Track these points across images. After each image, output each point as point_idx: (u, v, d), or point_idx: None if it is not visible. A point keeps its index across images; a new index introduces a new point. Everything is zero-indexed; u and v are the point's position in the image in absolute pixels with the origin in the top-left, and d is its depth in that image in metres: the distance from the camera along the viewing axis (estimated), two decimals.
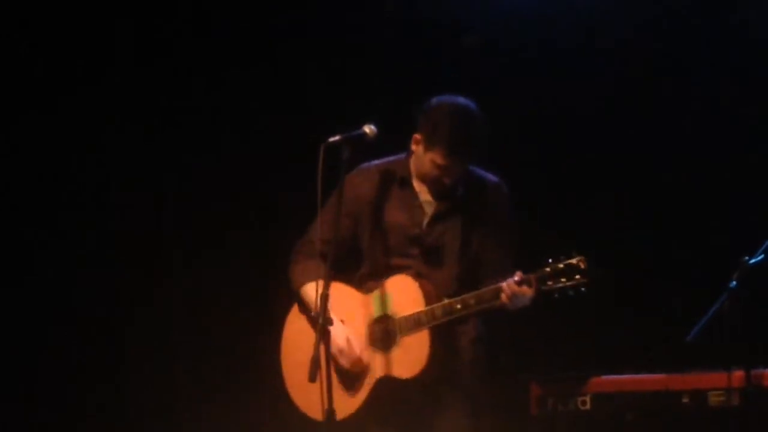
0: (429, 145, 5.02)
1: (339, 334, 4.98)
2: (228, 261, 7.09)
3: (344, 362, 5.01)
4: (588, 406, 5.65)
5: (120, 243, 7.14)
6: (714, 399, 5.46)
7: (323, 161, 4.92)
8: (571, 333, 6.52)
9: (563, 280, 4.73)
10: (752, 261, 5.20)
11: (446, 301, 4.95)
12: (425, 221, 5.12)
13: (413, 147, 5.10)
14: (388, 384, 4.98)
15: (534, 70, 6.81)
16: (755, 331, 5.16)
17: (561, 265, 4.74)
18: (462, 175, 5.06)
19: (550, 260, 4.77)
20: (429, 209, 5.13)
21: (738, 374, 5.31)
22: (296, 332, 5.20)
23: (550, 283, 4.75)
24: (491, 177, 5.18)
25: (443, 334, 4.99)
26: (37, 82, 7.11)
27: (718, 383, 5.43)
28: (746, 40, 6.56)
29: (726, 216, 6.40)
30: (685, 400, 5.52)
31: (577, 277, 4.71)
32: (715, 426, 5.44)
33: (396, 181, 5.16)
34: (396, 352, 4.97)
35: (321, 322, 4.77)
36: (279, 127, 7.02)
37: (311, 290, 5.06)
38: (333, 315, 4.83)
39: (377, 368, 5.00)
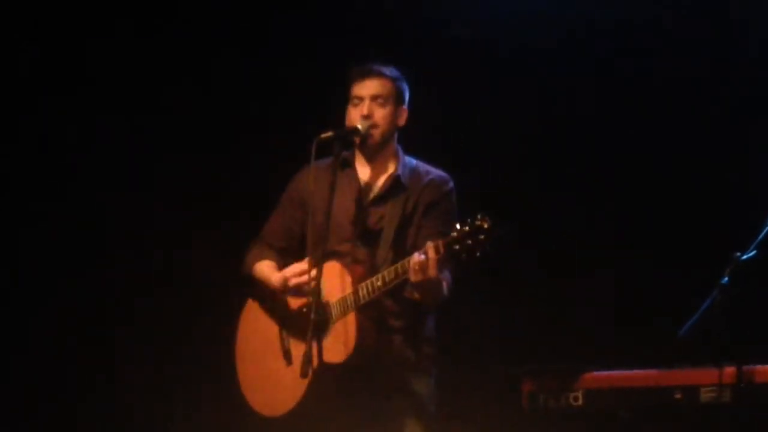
0: (348, 91, 5.15)
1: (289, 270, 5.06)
2: (224, 259, 7.08)
3: (300, 282, 5.04)
4: (580, 402, 5.64)
5: (118, 243, 7.15)
6: (706, 395, 5.45)
7: (315, 157, 4.95)
8: (563, 329, 6.52)
9: (469, 242, 4.71)
10: (744, 257, 5.19)
11: (368, 280, 4.95)
12: (365, 202, 5.16)
13: (346, 119, 5.19)
14: (327, 373, 4.93)
15: (533, 69, 6.81)
16: (747, 327, 5.16)
17: (466, 228, 4.73)
18: (390, 127, 5.15)
19: (458, 226, 4.76)
20: (370, 192, 5.16)
21: (730, 370, 5.30)
22: (252, 325, 5.26)
23: (457, 247, 4.74)
24: (438, 171, 5.23)
25: (374, 316, 5.00)
26: (37, 81, 7.12)
27: (710, 379, 5.42)
28: (746, 39, 6.57)
29: (718, 212, 6.40)
30: (677, 395, 5.51)
31: (482, 237, 4.70)
32: (707, 422, 5.43)
33: (340, 164, 5.17)
34: (329, 339, 4.97)
35: (313, 317, 4.81)
36: (275, 125, 7.03)
37: (264, 266, 5.20)
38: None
39: (315, 357, 4.93)
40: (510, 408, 5.80)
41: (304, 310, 5.02)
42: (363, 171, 5.22)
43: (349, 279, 4.99)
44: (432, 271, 4.80)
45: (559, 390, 5.67)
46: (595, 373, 5.68)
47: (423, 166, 5.23)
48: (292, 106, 6.94)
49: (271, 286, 5.15)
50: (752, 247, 5.22)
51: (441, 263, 4.81)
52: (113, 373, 7.10)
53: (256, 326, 5.22)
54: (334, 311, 4.99)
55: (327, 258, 5.01)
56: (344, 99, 5.23)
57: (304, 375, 4.77)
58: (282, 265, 5.18)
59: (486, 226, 4.70)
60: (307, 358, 4.77)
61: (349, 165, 5.22)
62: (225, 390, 5.43)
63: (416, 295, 4.99)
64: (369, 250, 5.09)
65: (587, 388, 5.65)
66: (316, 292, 4.83)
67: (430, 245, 4.79)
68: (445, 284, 4.99)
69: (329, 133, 5.04)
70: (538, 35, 6.78)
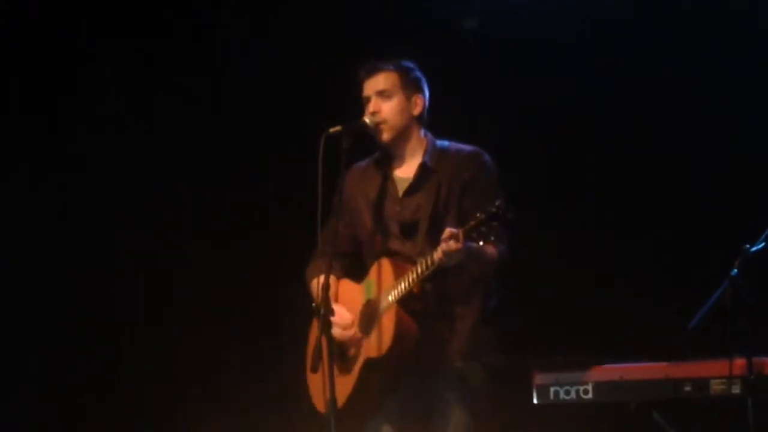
0: (359, 91, 5.15)
1: (338, 316, 5.03)
2: (231, 259, 7.10)
3: (344, 337, 5.06)
4: (590, 395, 5.65)
5: (121, 244, 7.17)
6: (716, 387, 5.46)
7: (323, 152, 4.95)
8: (573, 321, 6.52)
9: (483, 229, 4.72)
10: (753, 248, 5.19)
11: (406, 273, 4.96)
12: (402, 196, 5.14)
13: None
14: (374, 366, 4.99)
15: (533, 66, 6.81)
16: (757, 318, 5.16)
17: (483, 216, 4.72)
18: (401, 121, 5.13)
19: (477, 214, 4.75)
20: (402, 185, 5.16)
21: (740, 362, 5.29)
22: (315, 333, 5.26)
23: (474, 235, 4.74)
24: (468, 147, 5.19)
25: (417, 309, 4.99)
26: (37, 81, 7.13)
27: (719, 371, 5.42)
28: (746, 35, 6.57)
29: (728, 203, 6.40)
30: (687, 388, 5.51)
31: (495, 223, 4.71)
32: (717, 414, 5.44)
33: (373, 164, 5.22)
34: (374, 334, 5.00)
35: (322, 313, 4.81)
36: (280, 124, 7.04)
37: (315, 286, 5.18)
38: (334, 305, 4.95)
39: (364, 352, 5.03)
40: (520, 401, 5.80)
41: (359, 311, 5.09)
42: (395, 166, 5.21)
43: (392, 274, 5.01)
44: (457, 255, 4.79)
45: (569, 383, 5.68)
46: (605, 366, 5.68)
47: (455, 146, 5.19)
48: (304, 106, 6.94)
49: None
50: (761, 238, 5.22)
51: (469, 247, 4.80)
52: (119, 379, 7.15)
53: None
54: (380, 307, 5.02)
55: (379, 256, 5.07)
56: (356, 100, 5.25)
57: (313, 370, 4.81)
58: (342, 270, 5.19)
59: (499, 213, 4.70)
60: (317, 354, 4.78)
61: (381, 163, 5.22)
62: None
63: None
64: (411, 242, 5.10)
65: (597, 381, 5.66)
66: (326, 287, 4.83)
67: (448, 233, 4.77)
68: (490, 253, 4.95)
69: (337, 128, 5.04)
70: (541, 32, 6.79)
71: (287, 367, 5.52)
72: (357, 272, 5.20)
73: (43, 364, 7.09)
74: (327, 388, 4.78)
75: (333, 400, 4.78)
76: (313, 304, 5.00)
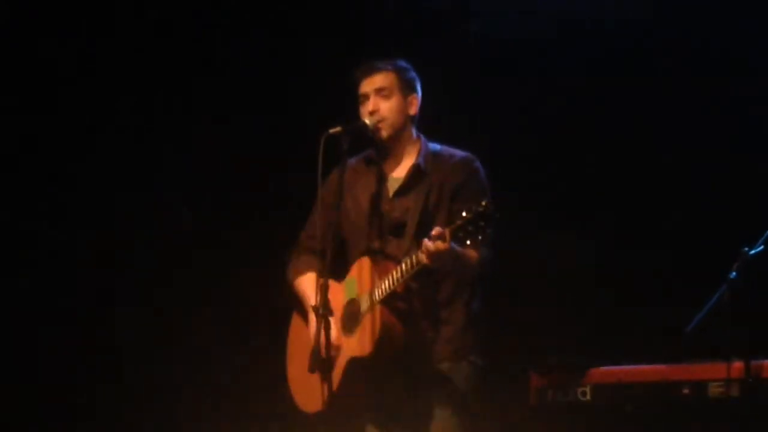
0: (356, 92, 5.16)
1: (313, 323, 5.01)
2: (231, 259, 7.10)
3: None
4: (588, 397, 5.66)
5: (121, 244, 7.18)
6: (714, 390, 5.46)
7: (323, 152, 4.95)
8: (571, 323, 6.53)
9: (470, 228, 4.71)
10: (752, 252, 5.21)
11: (390, 273, 4.96)
12: (392, 196, 5.14)
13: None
14: (358, 366, 4.97)
15: (533, 66, 6.81)
16: (755, 321, 5.16)
17: (470, 215, 4.71)
18: (397, 119, 5.14)
19: (463, 213, 4.73)
20: (395, 185, 5.16)
21: (738, 365, 5.31)
22: (296, 331, 5.28)
23: (461, 234, 4.73)
24: (460, 152, 5.19)
25: (401, 308, 4.99)
26: (35, 81, 7.13)
27: (718, 374, 5.43)
28: (746, 35, 6.57)
29: (727, 207, 6.40)
30: (685, 390, 5.52)
31: (482, 223, 4.69)
32: (715, 417, 5.44)
33: (364, 162, 5.22)
34: (358, 333, 4.99)
35: (321, 312, 4.80)
36: (280, 124, 7.04)
37: (302, 283, 5.20)
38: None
39: (347, 351, 5.00)
40: (518, 403, 5.81)
41: (341, 310, 5.07)
42: (387, 165, 5.20)
43: (375, 274, 5.00)
44: (444, 255, 4.79)
45: (567, 385, 5.68)
46: (603, 369, 5.70)
47: (447, 150, 5.19)
48: (305, 106, 6.95)
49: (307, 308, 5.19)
50: (760, 242, 5.24)
51: (453, 248, 4.80)
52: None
53: (299, 330, 5.24)
54: (362, 306, 5.01)
55: (362, 255, 5.06)
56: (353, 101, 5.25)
57: (311, 370, 4.81)
58: (323, 269, 5.13)
59: (487, 212, 4.69)
60: (316, 355, 4.78)
61: (374, 161, 5.22)
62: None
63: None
64: (398, 243, 5.08)
65: (595, 383, 5.67)
66: (325, 287, 4.84)
67: (436, 232, 4.77)
68: (472, 258, 4.95)
69: (337, 129, 5.03)
70: (541, 32, 6.79)
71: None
72: (338, 271, 5.15)
73: (43, 364, 7.09)
74: (325, 390, 4.79)
75: (332, 400, 4.80)
76: (312, 305, 5.00)
